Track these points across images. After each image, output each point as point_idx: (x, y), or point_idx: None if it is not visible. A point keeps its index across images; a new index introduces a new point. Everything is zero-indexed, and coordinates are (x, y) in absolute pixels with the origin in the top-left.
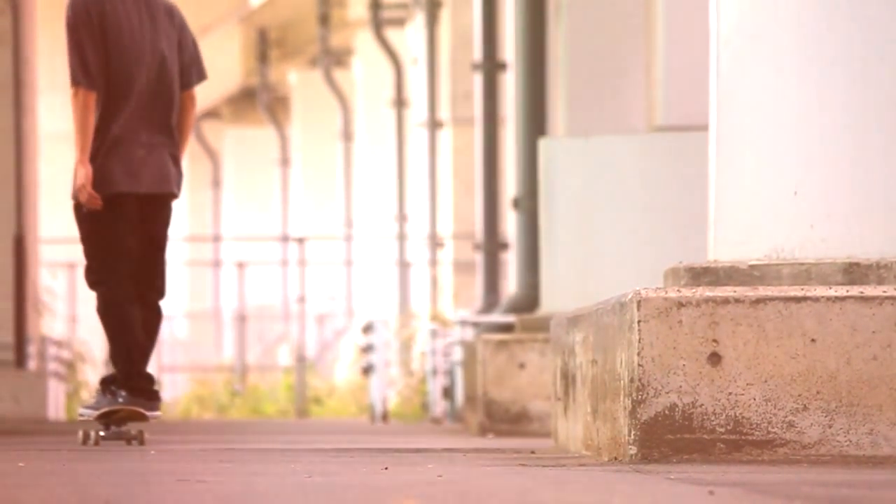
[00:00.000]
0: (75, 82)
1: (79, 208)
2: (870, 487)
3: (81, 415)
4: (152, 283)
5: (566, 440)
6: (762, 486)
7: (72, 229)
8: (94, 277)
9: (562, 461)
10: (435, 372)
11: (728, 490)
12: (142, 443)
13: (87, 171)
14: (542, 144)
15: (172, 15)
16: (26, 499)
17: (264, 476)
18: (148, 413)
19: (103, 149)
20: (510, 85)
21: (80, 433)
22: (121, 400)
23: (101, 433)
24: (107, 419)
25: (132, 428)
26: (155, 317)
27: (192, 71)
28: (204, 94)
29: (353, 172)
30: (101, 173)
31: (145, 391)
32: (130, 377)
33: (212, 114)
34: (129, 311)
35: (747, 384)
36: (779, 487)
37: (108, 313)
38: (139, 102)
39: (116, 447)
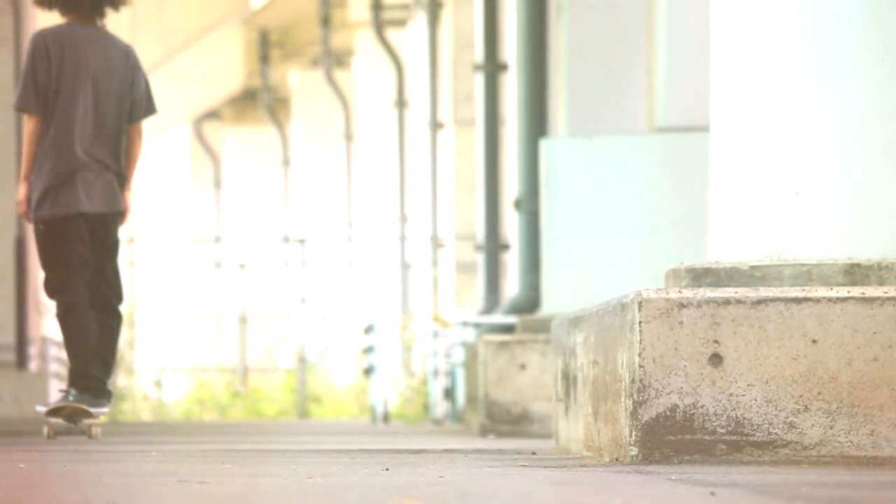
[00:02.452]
0: (27, 110)
1: (36, 225)
2: (871, 488)
3: (37, 411)
4: (110, 288)
5: (567, 441)
6: (763, 487)
7: None
8: (52, 287)
9: (563, 462)
10: (436, 373)
11: (729, 491)
12: (91, 436)
13: (24, 189)
14: (544, 145)
15: (128, 56)
16: (28, 500)
17: (265, 477)
18: (93, 409)
19: (64, 171)
20: (511, 86)
21: (43, 428)
22: (71, 398)
23: (57, 427)
24: (55, 415)
25: (83, 423)
26: (115, 319)
27: (141, 108)
28: (205, 95)
29: (354, 173)
30: (62, 195)
31: (92, 389)
32: (81, 377)
33: (213, 115)
34: (84, 317)
35: (748, 385)
36: (780, 488)
37: (66, 318)
38: (91, 133)
39: (122, 448)
